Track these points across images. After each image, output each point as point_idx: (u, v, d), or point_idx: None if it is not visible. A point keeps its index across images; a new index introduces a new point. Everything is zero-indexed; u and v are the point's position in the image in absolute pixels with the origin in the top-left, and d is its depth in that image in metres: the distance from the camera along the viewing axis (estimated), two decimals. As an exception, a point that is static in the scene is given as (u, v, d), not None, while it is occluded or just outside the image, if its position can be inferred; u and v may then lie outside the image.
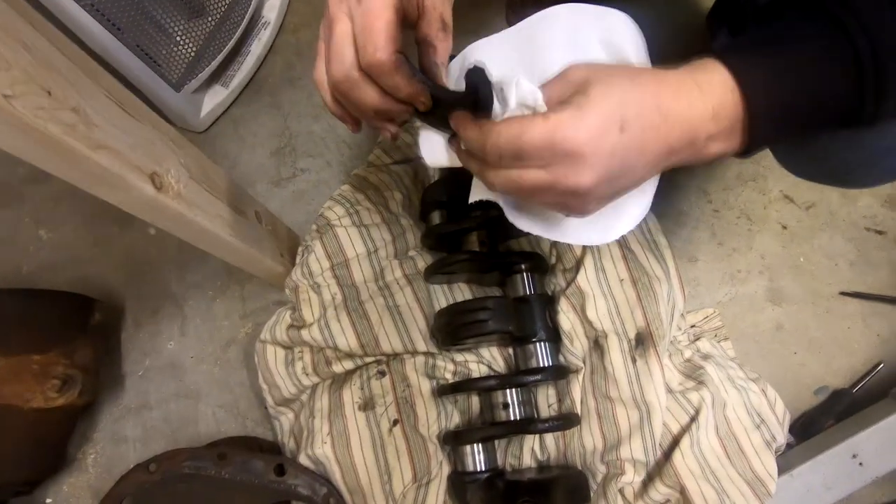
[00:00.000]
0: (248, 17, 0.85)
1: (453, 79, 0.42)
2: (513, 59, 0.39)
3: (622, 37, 0.39)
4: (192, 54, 0.79)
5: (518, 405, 0.58)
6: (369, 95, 0.37)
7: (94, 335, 0.68)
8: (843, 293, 0.73)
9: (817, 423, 0.66)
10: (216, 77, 0.86)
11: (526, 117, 0.34)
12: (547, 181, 0.34)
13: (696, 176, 0.79)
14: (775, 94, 0.34)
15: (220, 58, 0.83)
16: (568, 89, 0.35)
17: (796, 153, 0.49)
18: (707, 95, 0.34)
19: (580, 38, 0.38)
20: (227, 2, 0.81)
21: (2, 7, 0.29)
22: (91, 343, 0.67)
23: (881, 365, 0.69)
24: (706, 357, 0.64)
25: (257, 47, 0.89)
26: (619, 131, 0.32)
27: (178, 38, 0.77)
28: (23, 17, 0.30)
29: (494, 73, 0.38)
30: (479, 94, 0.38)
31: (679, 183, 0.79)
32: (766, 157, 0.79)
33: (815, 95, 0.34)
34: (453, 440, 0.59)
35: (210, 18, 0.80)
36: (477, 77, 0.38)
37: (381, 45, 0.34)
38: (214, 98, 0.86)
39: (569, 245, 0.65)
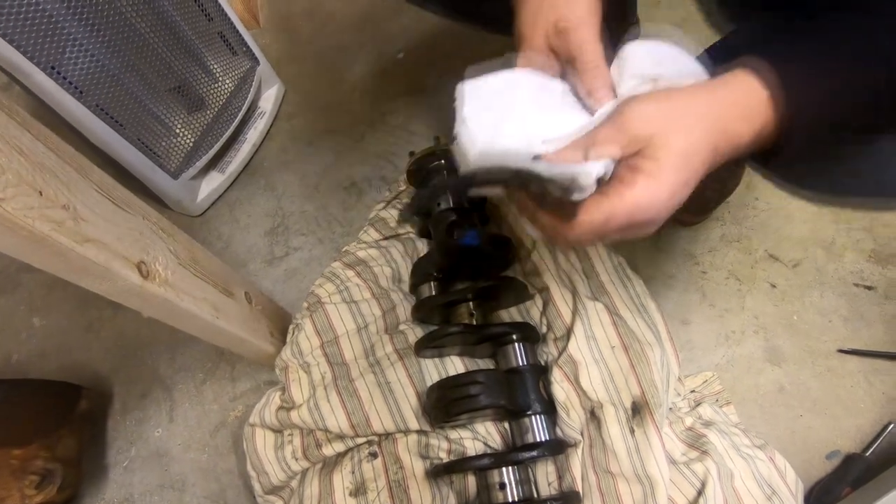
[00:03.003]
0: (244, 108, 0.90)
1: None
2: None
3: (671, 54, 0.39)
4: (191, 145, 0.83)
5: (516, 484, 0.56)
6: None
7: (80, 424, 0.66)
8: (841, 350, 0.72)
9: (833, 492, 0.63)
10: (213, 164, 0.90)
11: (605, 201, 0.35)
12: (619, 239, 0.36)
13: (682, 238, 0.81)
14: (818, 113, 0.35)
15: (217, 147, 0.87)
16: (630, 145, 0.35)
17: (799, 165, 0.48)
18: (755, 122, 0.35)
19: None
20: (226, 96, 0.87)
21: (1, 118, 0.31)
22: (75, 433, 0.65)
23: (892, 425, 0.67)
24: (708, 424, 0.62)
25: (253, 135, 0.93)
26: (686, 188, 0.35)
27: (177, 131, 0.82)
28: (20, 125, 0.32)
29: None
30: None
31: (665, 247, 0.81)
32: (748, 219, 0.81)
33: (853, 106, 0.36)
34: (450, 526, 0.56)
35: (209, 111, 0.85)
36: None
37: None
38: (211, 183, 0.89)
39: (558, 313, 0.65)
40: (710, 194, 0.77)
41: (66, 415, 0.65)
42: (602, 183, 0.36)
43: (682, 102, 0.35)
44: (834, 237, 0.79)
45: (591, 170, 0.35)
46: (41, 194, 0.32)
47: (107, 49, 0.68)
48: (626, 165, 0.35)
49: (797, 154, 0.39)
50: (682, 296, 0.77)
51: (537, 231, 0.41)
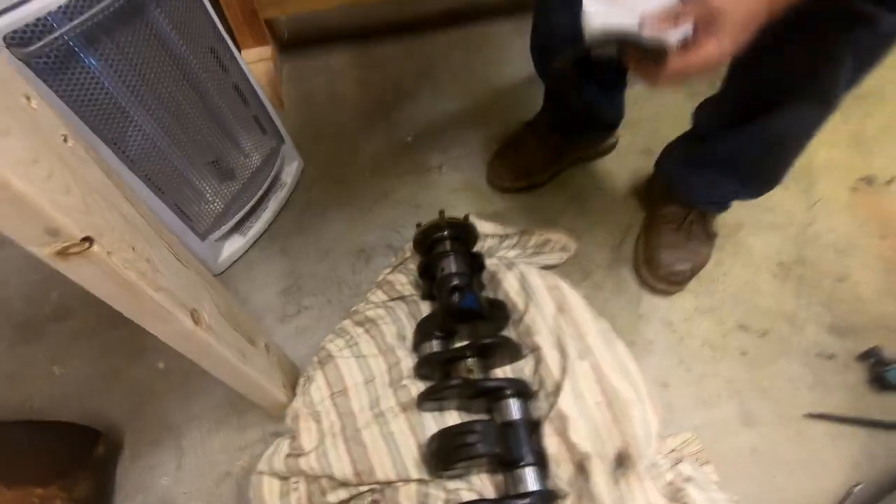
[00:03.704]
0: (269, 180, 1.01)
1: None
2: None
3: None
4: (220, 210, 0.93)
5: (509, 532, 0.60)
6: None
7: (96, 468, 0.70)
8: (808, 415, 0.78)
9: (807, 550, 0.67)
10: (236, 228, 0.99)
11: (686, 55, 0.49)
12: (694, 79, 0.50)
13: (660, 308, 0.89)
14: None
15: (242, 213, 0.97)
16: (706, 15, 0.47)
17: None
18: None
19: None
20: (253, 169, 0.97)
21: (111, 189, 0.40)
22: (91, 477, 0.68)
23: (857, 487, 0.72)
24: (688, 480, 0.67)
25: (274, 203, 1.03)
26: (743, 45, 0.49)
27: (209, 198, 0.92)
28: (123, 195, 0.41)
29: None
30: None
31: (645, 315, 0.89)
32: (719, 292, 0.90)
33: None
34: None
35: (237, 182, 0.95)
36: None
37: None
38: (233, 245, 0.98)
39: (549, 371, 0.72)
40: (682, 268, 0.87)
41: (84, 458, 0.69)
42: (686, 42, 0.49)
43: None
44: (796, 311, 0.88)
45: (677, 34, 0.49)
46: (134, 249, 0.40)
47: (159, 129, 0.79)
48: (702, 30, 0.48)
49: None
50: (662, 360, 0.84)
51: (640, 75, 0.54)
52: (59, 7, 0.62)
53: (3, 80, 0.30)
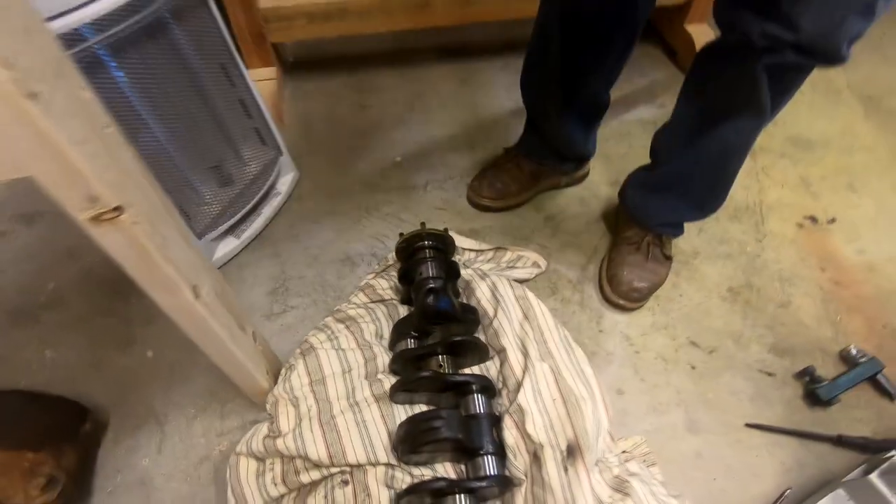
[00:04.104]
0: (265, 188, 1.08)
1: None
2: None
3: None
4: (217, 212, 0.99)
5: (466, 512, 0.65)
6: None
7: (82, 442, 0.74)
8: (748, 425, 0.85)
9: (739, 545, 0.73)
10: (231, 230, 1.05)
11: None
12: None
13: (620, 323, 0.97)
14: None
15: (237, 217, 1.03)
16: None
17: None
18: None
19: None
20: (251, 177, 1.05)
21: (138, 172, 0.47)
22: (78, 450, 0.72)
23: (788, 490, 0.79)
24: (633, 475, 0.73)
25: (268, 210, 1.10)
26: None
27: (208, 200, 0.98)
28: (145, 177, 0.48)
29: None
30: None
31: (606, 329, 0.96)
32: (674, 311, 0.98)
33: None
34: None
35: (236, 187, 1.02)
36: None
37: None
38: (226, 246, 1.04)
39: (512, 371, 0.78)
40: (641, 285, 0.95)
41: (73, 431, 0.73)
42: None
43: None
44: (742, 331, 0.96)
45: None
46: (152, 224, 0.47)
47: (169, 133, 0.86)
48: None
49: None
50: (619, 370, 0.91)
51: None
52: (92, 21, 0.70)
53: (69, 73, 0.37)
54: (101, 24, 0.71)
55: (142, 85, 0.79)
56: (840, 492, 0.69)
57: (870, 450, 0.80)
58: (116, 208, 0.41)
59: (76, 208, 0.40)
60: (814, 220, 1.12)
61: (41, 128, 0.34)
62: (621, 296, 0.95)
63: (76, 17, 0.69)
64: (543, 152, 1.08)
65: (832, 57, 0.61)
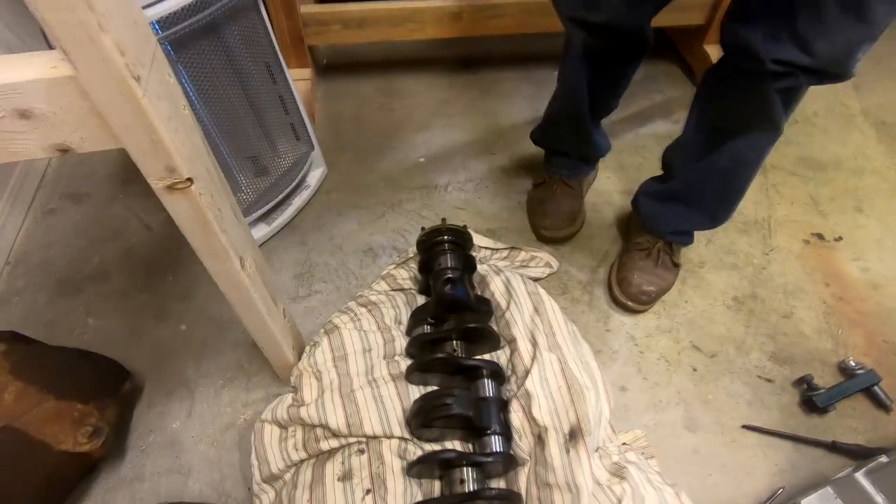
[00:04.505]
0: (296, 181, 1.15)
1: None
2: None
3: None
4: (251, 200, 1.06)
5: (473, 482, 0.70)
6: None
7: (122, 400, 0.80)
8: (744, 426, 0.89)
9: (729, 536, 0.76)
10: (263, 218, 1.12)
11: None
12: None
13: (626, 324, 1.01)
14: None
15: (269, 206, 1.10)
16: None
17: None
18: None
19: None
20: (284, 169, 1.12)
21: (206, 150, 0.53)
22: (119, 406, 0.79)
23: (780, 490, 0.82)
24: (631, 462, 0.78)
25: (298, 201, 1.17)
26: None
27: (243, 187, 1.06)
28: (210, 156, 0.55)
29: None
30: None
31: (613, 329, 1.01)
32: (679, 316, 1.03)
33: None
34: (415, 515, 0.69)
35: (270, 178, 1.10)
36: None
37: None
38: (258, 233, 1.11)
39: (521, 359, 0.83)
40: (649, 289, 1.00)
41: (115, 389, 0.79)
42: None
43: None
44: (744, 338, 1.00)
45: None
46: (212, 197, 0.53)
47: (215, 122, 0.94)
48: None
49: None
50: (623, 368, 0.96)
51: None
52: (159, 18, 0.78)
53: (160, 61, 0.44)
54: (167, 21, 0.78)
55: (195, 77, 0.86)
56: (828, 489, 0.73)
57: (862, 456, 0.84)
58: (188, 179, 0.48)
59: (156, 177, 0.46)
60: (820, 237, 1.16)
61: (141, 105, 0.40)
62: (630, 297, 1.00)
63: (150, 13, 0.76)
64: (578, 165, 1.13)
65: (842, 77, 0.65)
